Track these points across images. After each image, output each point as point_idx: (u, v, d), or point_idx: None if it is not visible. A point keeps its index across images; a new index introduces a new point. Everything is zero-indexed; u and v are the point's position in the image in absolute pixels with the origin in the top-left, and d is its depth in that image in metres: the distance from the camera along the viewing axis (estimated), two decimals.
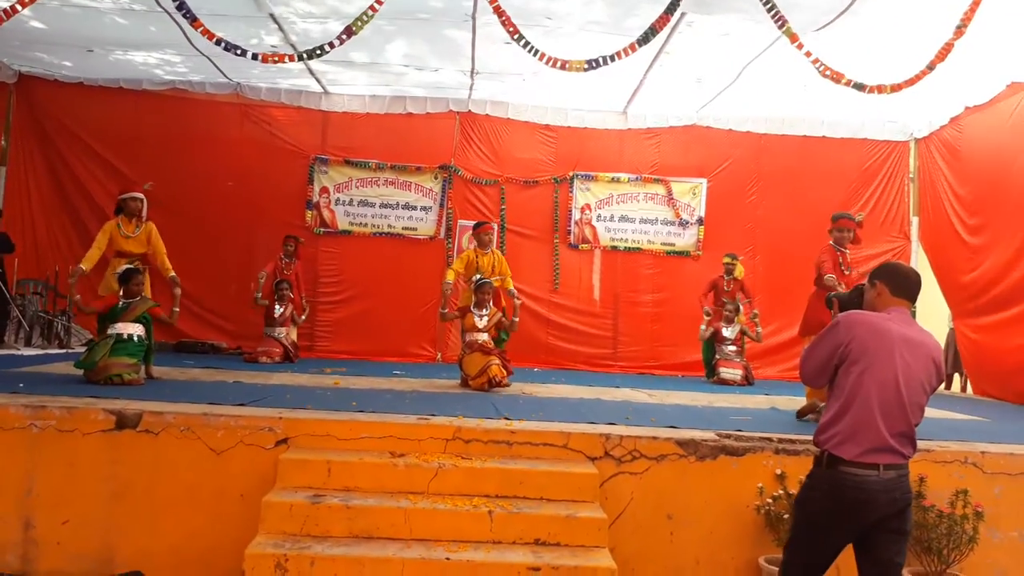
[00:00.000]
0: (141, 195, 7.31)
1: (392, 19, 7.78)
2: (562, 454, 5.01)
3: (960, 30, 6.66)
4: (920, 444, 5.07)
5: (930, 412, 6.86)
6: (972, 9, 6.55)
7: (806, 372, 3.40)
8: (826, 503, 3.16)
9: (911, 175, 11.06)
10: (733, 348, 9.57)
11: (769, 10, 6.61)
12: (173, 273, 7.18)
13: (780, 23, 6.71)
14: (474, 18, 7.94)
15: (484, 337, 7.68)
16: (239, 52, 7.06)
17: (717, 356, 9.62)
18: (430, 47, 9.17)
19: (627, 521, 4.88)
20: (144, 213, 7.30)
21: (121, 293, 6.59)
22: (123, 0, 7.83)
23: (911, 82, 7.19)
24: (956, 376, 10.57)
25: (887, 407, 3.09)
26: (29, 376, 6.54)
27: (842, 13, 7.07)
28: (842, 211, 7.56)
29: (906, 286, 3.28)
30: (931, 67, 7.00)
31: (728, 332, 9.58)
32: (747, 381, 9.38)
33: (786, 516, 4.72)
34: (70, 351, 9.26)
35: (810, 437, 5.19)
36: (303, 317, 9.76)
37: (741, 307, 9.72)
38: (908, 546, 4.72)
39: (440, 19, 8.15)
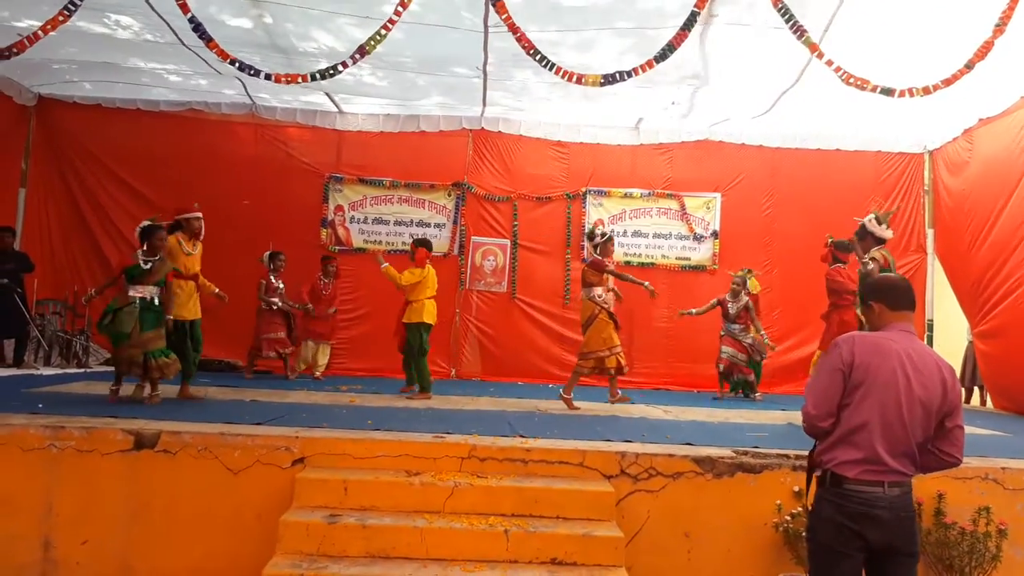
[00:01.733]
0: (201, 215, 7.38)
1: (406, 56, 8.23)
2: (578, 472, 4.99)
3: (1000, 28, 6.52)
4: None
5: None
6: (1011, 7, 6.41)
7: (816, 410, 3.12)
8: (834, 522, 3.09)
9: (926, 187, 11.00)
10: (737, 326, 9.38)
11: (787, 21, 6.55)
12: (218, 290, 7.34)
13: (799, 34, 6.64)
14: (485, 72, 8.37)
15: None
16: (252, 72, 7.14)
17: (721, 333, 9.50)
18: (450, 92, 9.71)
19: (644, 540, 4.85)
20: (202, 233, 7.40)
21: (143, 251, 6.47)
22: (146, 34, 8.04)
23: (948, 82, 6.91)
24: (976, 390, 10.45)
25: (889, 429, 3.04)
26: (48, 396, 6.60)
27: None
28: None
29: (902, 297, 3.22)
30: (969, 66, 6.78)
31: (733, 308, 9.36)
32: (753, 355, 9.32)
33: (804, 534, 4.68)
34: (89, 370, 9.35)
35: None
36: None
37: (747, 279, 9.47)
38: (929, 564, 4.72)
39: (457, 68, 8.62)
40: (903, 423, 3.04)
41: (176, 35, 7.75)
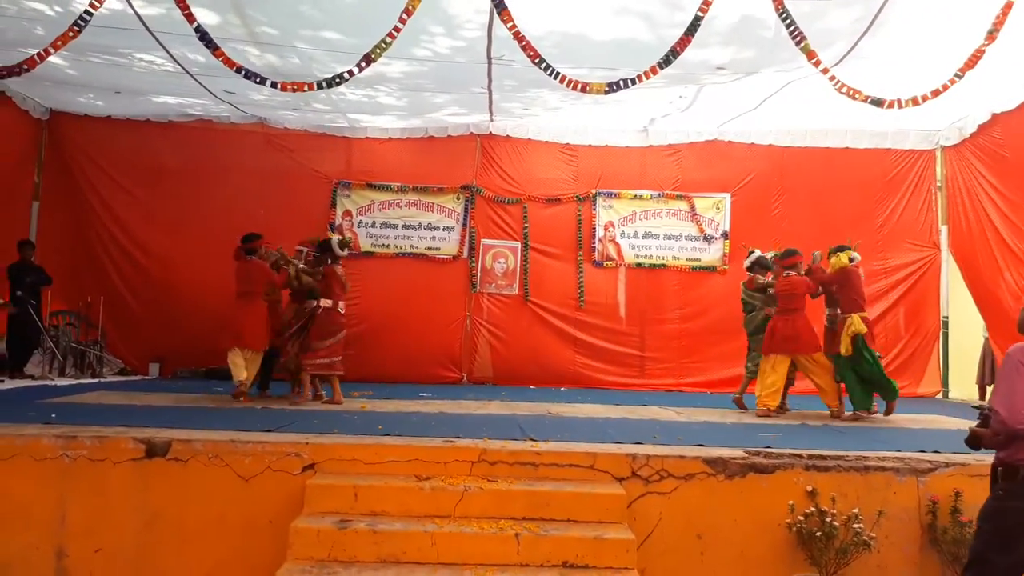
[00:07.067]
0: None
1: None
2: (589, 475, 4.97)
3: (992, 35, 6.53)
4: (955, 458, 5.04)
5: (964, 424, 6.75)
6: (1004, 13, 6.42)
7: (1012, 416, 3.41)
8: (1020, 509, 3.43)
9: (939, 183, 10.91)
10: None
11: (788, 26, 6.55)
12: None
13: (798, 39, 6.64)
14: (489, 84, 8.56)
15: None
16: (259, 80, 7.15)
17: None
18: (458, 100, 9.83)
19: (656, 542, 4.83)
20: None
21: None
22: (155, 62, 8.27)
23: (936, 93, 7.04)
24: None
25: None
26: (62, 407, 6.64)
27: (863, 35, 7.03)
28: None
29: None
30: (960, 75, 6.86)
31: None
32: None
33: (818, 534, 4.64)
34: (103, 380, 9.41)
35: (841, 452, 5.13)
36: None
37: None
38: (946, 563, 4.67)
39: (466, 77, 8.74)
40: None
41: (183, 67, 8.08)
